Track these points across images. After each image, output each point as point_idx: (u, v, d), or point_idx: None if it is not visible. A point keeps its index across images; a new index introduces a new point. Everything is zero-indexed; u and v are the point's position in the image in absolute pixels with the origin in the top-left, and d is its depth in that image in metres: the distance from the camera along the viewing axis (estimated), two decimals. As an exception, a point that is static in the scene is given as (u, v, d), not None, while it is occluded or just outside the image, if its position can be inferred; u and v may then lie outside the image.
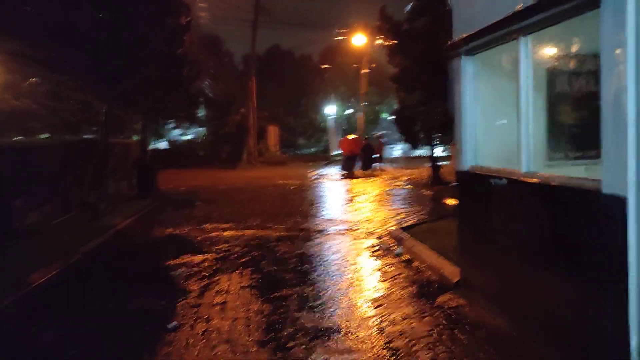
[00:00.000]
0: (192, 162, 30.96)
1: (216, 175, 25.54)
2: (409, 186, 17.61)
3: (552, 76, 5.11)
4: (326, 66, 39.37)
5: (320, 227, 10.36)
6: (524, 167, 4.40)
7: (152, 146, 35.80)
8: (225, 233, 9.91)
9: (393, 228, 9.88)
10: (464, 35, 5.19)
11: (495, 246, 4.98)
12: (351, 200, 14.28)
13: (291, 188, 18.16)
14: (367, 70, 34.69)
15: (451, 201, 13.43)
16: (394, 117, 19.05)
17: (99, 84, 10.80)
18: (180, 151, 35.01)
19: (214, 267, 7.40)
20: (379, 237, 9.30)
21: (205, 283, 6.63)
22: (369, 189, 17.22)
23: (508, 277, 4.73)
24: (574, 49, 5.04)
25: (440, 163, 17.85)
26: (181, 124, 38.45)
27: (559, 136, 5.16)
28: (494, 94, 5.37)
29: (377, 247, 8.51)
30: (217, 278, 6.86)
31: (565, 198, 3.82)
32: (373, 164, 24.47)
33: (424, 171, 23.97)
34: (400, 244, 8.58)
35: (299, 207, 13.17)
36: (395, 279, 6.65)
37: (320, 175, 24.12)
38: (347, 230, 10.08)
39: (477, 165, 5.40)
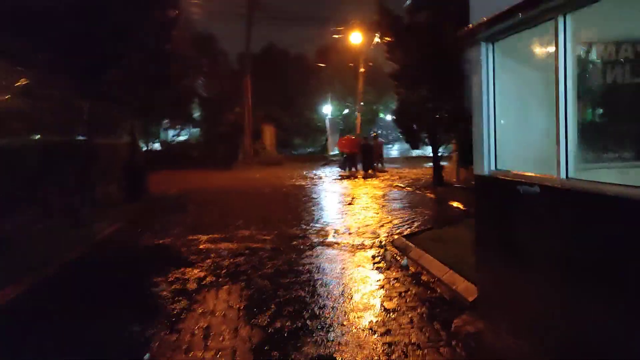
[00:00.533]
0: (187, 163, 30.18)
1: (210, 176, 24.76)
2: (410, 188, 16.86)
3: (586, 65, 4.39)
4: (322, 65, 38.61)
5: (319, 235, 9.61)
6: (562, 172, 3.67)
7: (146, 147, 35.28)
8: (215, 244, 9.12)
9: (397, 236, 9.15)
10: (486, 19, 4.45)
11: (523, 262, 4.24)
12: (350, 204, 13.54)
13: (288, 190, 17.41)
14: (364, 69, 33.95)
15: (456, 204, 12.71)
16: (393, 116, 18.29)
17: (76, 79, 9.97)
18: (174, 152, 34.20)
19: (200, 284, 6.64)
20: (382, 246, 8.56)
21: (188, 303, 5.88)
22: (369, 191, 16.49)
23: (541, 298, 3.99)
24: (614, 33, 4.31)
25: (442, 163, 17.12)
26: (176, 124, 37.80)
27: (592, 135, 4.43)
28: (519, 87, 4.63)
29: (380, 258, 7.76)
30: (202, 296, 6.12)
31: (625, 211, 3.09)
32: (373, 164, 23.83)
33: (425, 171, 23.31)
34: (406, 254, 7.84)
35: (296, 212, 12.42)
36: (403, 296, 5.91)
37: (318, 176, 23.35)
38: (348, 237, 9.33)
39: (499, 170, 4.66)
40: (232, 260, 7.84)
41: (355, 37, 32.93)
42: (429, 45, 11.92)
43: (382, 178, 21.18)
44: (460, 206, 12.45)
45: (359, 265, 7.36)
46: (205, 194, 17.32)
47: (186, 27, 33.07)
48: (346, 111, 41.66)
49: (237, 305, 5.77)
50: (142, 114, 14.57)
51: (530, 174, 4.13)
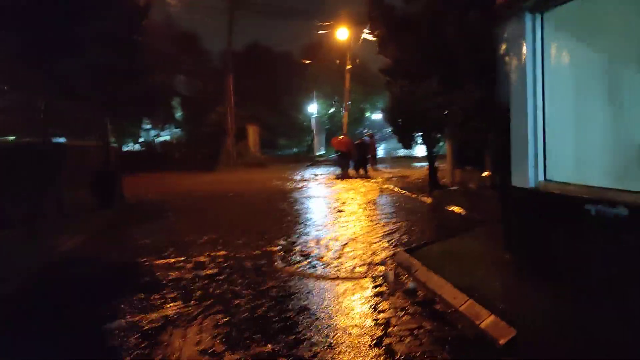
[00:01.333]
0: (168, 165, 28.90)
1: (192, 179, 23.49)
2: (405, 191, 15.77)
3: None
4: (308, 61, 37.43)
5: (307, 250, 8.42)
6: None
7: (125, 149, 33.84)
8: (188, 264, 7.91)
9: (397, 249, 8.02)
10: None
11: (600, 302, 3.13)
12: (341, 211, 12.36)
13: (272, 195, 16.20)
14: (350, 66, 32.81)
15: (457, 209, 11.62)
16: (383, 113, 17.18)
17: (31, 70, 8.68)
18: (155, 153, 32.84)
19: (166, 317, 5.45)
20: (382, 263, 7.42)
21: (147, 344, 4.69)
22: (360, 195, 15.34)
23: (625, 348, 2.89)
24: None
25: (436, 164, 16.03)
26: (156, 123, 36.39)
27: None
28: (579, 71, 3.52)
29: (381, 280, 6.62)
30: (166, 336, 4.93)
31: None
32: (367, 164, 22.95)
33: (416, 173, 22.27)
34: (411, 274, 6.71)
35: (282, 222, 11.24)
36: (416, 336, 4.77)
37: (304, 178, 22.17)
38: (340, 253, 8.17)
39: (552, 182, 3.54)
40: (210, 284, 6.65)
41: (342, 33, 31.85)
42: (431, 36, 10.79)
43: (374, 180, 20.07)
44: (462, 212, 11.37)
45: (358, 291, 6.21)
46: (185, 199, 16.08)
47: (168, 23, 31.96)
48: (332, 110, 40.55)
49: (211, 346, 4.60)
50: (112, 111, 13.26)
51: (606, 188, 3.01)
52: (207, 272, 7.25)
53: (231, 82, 30.84)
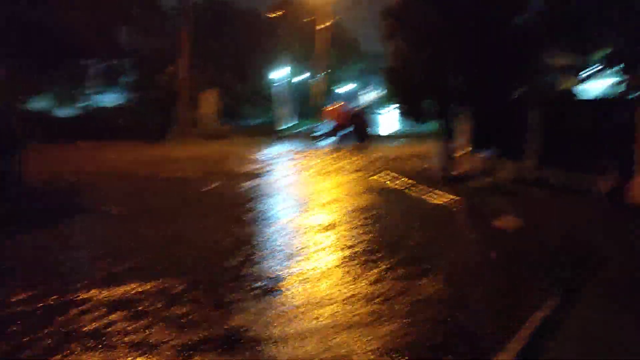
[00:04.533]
0: (110, 134, 24.13)
1: (134, 153, 19.04)
2: (411, 180, 11.67)
3: None
4: (278, 14, 32.66)
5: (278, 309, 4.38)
6: None
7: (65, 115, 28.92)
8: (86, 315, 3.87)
9: None
10: None
11: None
12: (326, 230, 7.94)
13: (233, 183, 11.90)
14: (326, 24, 28.19)
15: (511, 222, 7.69)
16: (385, 78, 13.06)
17: None
18: (96, 120, 27.93)
19: None
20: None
21: None
22: (352, 191, 11.19)
23: None
24: None
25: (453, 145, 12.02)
26: (98, 84, 31.47)
27: None
28: None
29: None
30: None
31: None
32: (365, 137, 20.07)
33: (416, 151, 18.17)
34: None
35: (234, 236, 7.17)
36: None
37: (272, 156, 17.90)
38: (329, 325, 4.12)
39: None
40: None
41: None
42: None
43: (369, 166, 15.96)
44: (516, 225, 7.47)
45: None
46: (109, 185, 11.78)
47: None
48: (305, 76, 36.05)
49: None
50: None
51: None
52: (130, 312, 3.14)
53: (187, 38, 26.03)
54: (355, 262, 5.86)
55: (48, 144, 20.14)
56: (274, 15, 33.83)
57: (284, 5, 34.24)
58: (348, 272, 5.53)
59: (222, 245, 6.66)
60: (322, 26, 27.84)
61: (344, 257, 6.07)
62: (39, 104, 32.16)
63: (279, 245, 6.67)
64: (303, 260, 6.01)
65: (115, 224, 8.05)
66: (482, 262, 6.01)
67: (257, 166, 15.25)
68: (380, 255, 6.09)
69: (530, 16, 10.37)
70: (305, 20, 31.20)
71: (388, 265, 5.67)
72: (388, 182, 12.02)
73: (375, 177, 12.92)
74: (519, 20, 10.31)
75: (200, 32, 28.08)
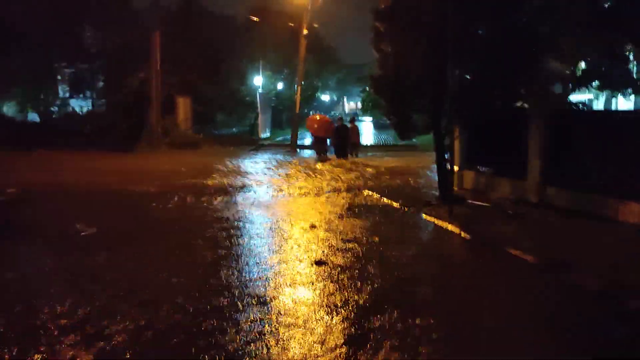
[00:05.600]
0: (72, 143, 22.43)
1: (96, 164, 17.49)
2: (398, 203, 10.48)
3: None
4: (255, 20, 31.40)
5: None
6: None
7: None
8: None
9: None
10: None
11: None
12: (313, 265, 6.98)
13: (199, 205, 10.53)
14: (307, 32, 27.12)
15: (529, 257, 6.58)
16: (372, 87, 11.91)
17: None
18: (58, 126, 26.19)
19: None
20: None
21: None
22: (332, 210, 10.00)
23: None
24: None
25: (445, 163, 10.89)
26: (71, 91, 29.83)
27: None
28: None
29: None
30: None
31: None
32: (347, 153, 18.92)
33: (403, 164, 17.14)
34: None
35: (198, 281, 5.90)
36: None
37: (248, 170, 16.50)
38: None
39: None
40: None
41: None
42: None
43: (357, 173, 14.76)
44: (537, 259, 6.35)
45: None
46: (56, 205, 10.34)
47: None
48: (281, 84, 34.84)
49: None
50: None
51: None
52: None
53: (158, 42, 24.54)
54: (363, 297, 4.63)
55: (2, 151, 18.58)
56: (251, 21, 32.60)
57: (261, 11, 33.06)
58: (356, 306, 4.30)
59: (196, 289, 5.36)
60: (305, 32, 26.61)
61: (361, 274, 4.82)
62: (1, 108, 30.38)
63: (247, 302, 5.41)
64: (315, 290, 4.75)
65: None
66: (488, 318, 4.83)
67: (236, 178, 13.97)
68: (388, 286, 4.86)
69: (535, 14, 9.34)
70: (287, 25, 29.95)
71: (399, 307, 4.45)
72: (379, 200, 10.85)
73: (364, 191, 11.76)
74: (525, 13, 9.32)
75: (173, 36, 26.65)
